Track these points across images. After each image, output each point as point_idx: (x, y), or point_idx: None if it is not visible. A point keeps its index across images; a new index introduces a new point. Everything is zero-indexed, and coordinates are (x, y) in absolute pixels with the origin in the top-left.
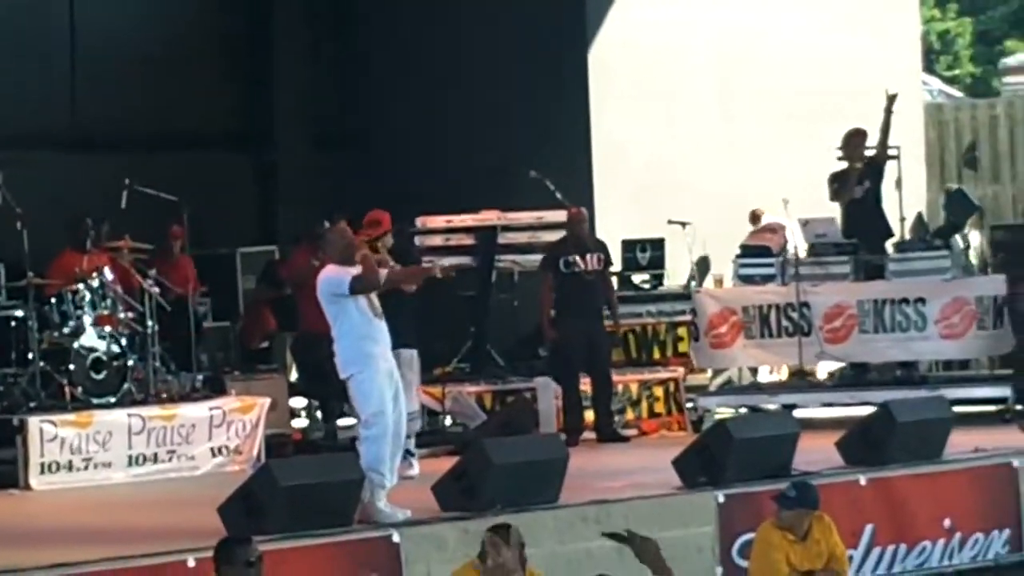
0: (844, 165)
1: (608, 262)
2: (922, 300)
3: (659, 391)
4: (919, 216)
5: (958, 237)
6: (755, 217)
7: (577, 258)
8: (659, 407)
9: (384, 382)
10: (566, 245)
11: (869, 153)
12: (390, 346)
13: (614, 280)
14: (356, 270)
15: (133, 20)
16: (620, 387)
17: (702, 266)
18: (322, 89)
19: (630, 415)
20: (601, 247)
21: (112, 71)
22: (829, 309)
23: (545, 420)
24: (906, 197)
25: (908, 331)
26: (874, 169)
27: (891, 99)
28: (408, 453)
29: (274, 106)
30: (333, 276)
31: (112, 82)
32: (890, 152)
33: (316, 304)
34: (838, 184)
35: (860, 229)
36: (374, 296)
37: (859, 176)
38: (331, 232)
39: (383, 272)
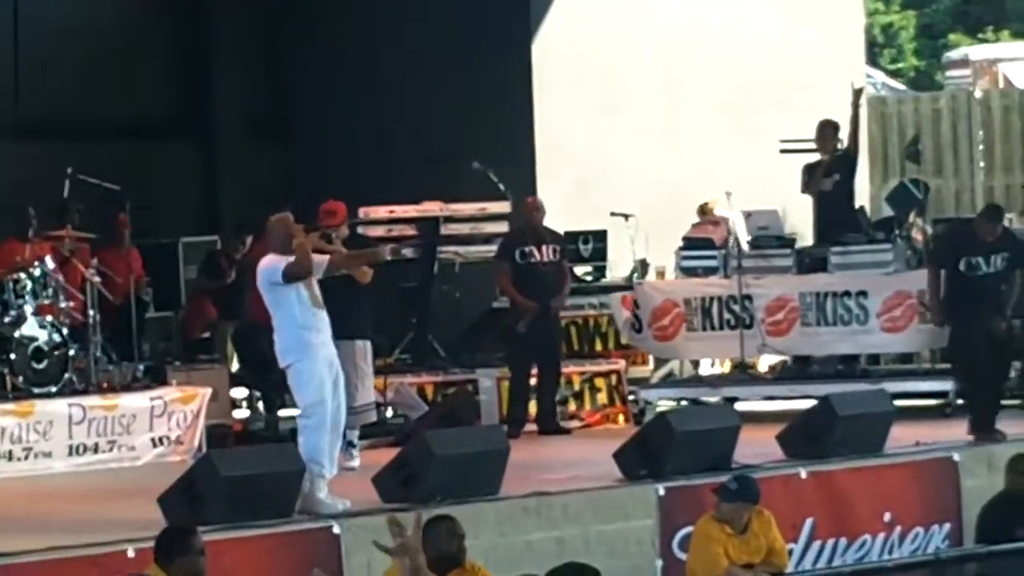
0: (817, 157)
1: (563, 253)
2: (864, 293)
3: (601, 383)
4: (861, 209)
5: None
6: (704, 211)
7: (533, 249)
8: (602, 398)
9: (324, 372)
10: (523, 235)
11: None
12: (331, 336)
13: None
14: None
15: (75, 9)
16: (562, 379)
17: (642, 267)
18: (263, 78)
19: (572, 407)
20: (557, 238)
21: (54, 60)
22: (771, 302)
23: (488, 411)
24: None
25: (850, 324)
26: (846, 162)
27: (857, 93)
28: (350, 444)
29: (215, 96)
30: (270, 265)
31: (54, 71)
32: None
33: (256, 293)
34: (808, 176)
35: (827, 222)
36: (315, 286)
37: (828, 168)
38: (272, 222)
39: (323, 258)
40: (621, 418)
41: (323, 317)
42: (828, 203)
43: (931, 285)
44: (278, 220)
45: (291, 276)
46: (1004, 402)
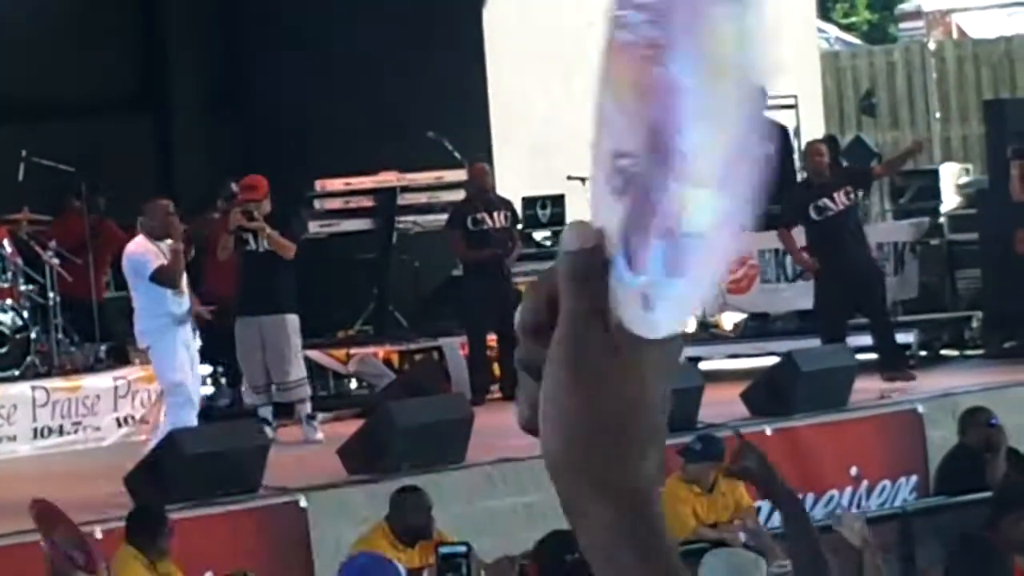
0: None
1: (515, 219)
2: None
3: None
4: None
5: None
6: None
7: (485, 215)
8: None
9: (183, 353)
10: (473, 203)
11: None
12: (190, 318)
13: None
14: (164, 247)
15: None
16: None
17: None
18: (218, 53)
19: None
20: (506, 204)
21: (6, 40)
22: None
23: (458, 379)
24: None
25: (810, 280)
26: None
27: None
28: (310, 418)
29: (170, 72)
30: (140, 256)
31: (6, 51)
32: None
33: (221, 269)
34: None
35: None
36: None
37: None
38: (151, 205)
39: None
40: None
41: (183, 301)
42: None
43: (788, 243)
44: (158, 206)
45: (160, 282)
46: (967, 352)
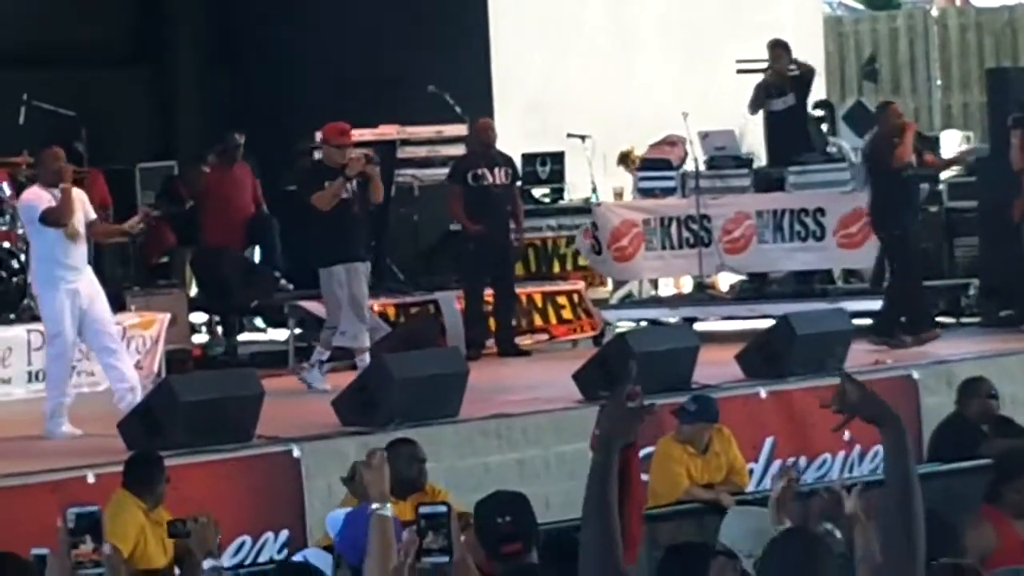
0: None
1: (516, 176)
2: (821, 211)
3: (564, 300)
4: (817, 129)
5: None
6: (624, 158)
7: (486, 171)
8: (567, 314)
9: (66, 304)
10: (475, 158)
11: (796, 66)
12: (85, 269)
13: None
14: (57, 193)
15: None
16: (524, 298)
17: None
18: (217, 3)
19: (538, 321)
20: (508, 161)
21: None
22: (729, 220)
23: (453, 333)
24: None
25: (807, 240)
26: (799, 83)
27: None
28: (322, 363)
29: (168, 19)
30: (32, 202)
31: None
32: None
33: (215, 218)
34: (754, 95)
35: (780, 143)
36: (78, 220)
37: (778, 88)
38: (44, 153)
39: (89, 214)
40: (590, 328)
41: (77, 251)
42: (779, 124)
43: None
44: (51, 153)
45: (47, 222)
46: (963, 320)
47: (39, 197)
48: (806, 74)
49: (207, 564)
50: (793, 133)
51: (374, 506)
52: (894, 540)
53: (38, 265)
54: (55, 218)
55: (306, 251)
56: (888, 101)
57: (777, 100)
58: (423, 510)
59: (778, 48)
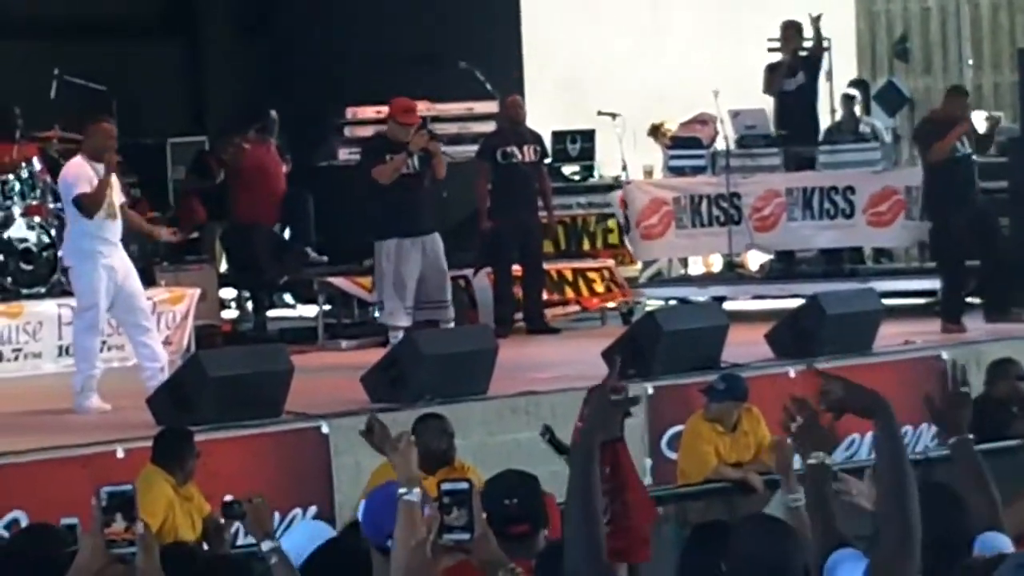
0: (779, 57)
1: (544, 154)
2: (851, 189)
3: (595, 275)
4: (850, 109)
5: (880, 126)
6: (656, 130)
7: (514, 148)
8: (598, 287)
9: (103, 278)
10: (504, 135)
11: (807, 45)
12: (119, 244)
13: None
14: (100, 168)
15: None
16: (554, 273)
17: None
18: None
19: (570, 294)
20: (537, 139)
21: None
22: (758, 198)
23: (484, 311)
24: (837, 89)
25: (836, 218)
26: (808, 63)
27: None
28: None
29: None
30: (71, 179)
31: None
32: (824, 45)
33: (248, 194)
34: (769, 75)
35: (788, 122)
36: (113, 196)
37: (791, 69)
38: (96, 127)
39: (124, 207)
40: (622, 298)
41: (115, 227)
42: (789, 104)
43: None
44: (102, 129)
45: (79, 208)
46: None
47: (79, 175)
48: (815, 54)
49: (265, 545)
50: (801, 113)
51: (401, 490)
52: (890, 527)
53: (76, 238)
54: (87, 208)
55: (340, 226)
56: (959, 87)
57: (789, 80)
58: (445, 486)
59: (790, 29)
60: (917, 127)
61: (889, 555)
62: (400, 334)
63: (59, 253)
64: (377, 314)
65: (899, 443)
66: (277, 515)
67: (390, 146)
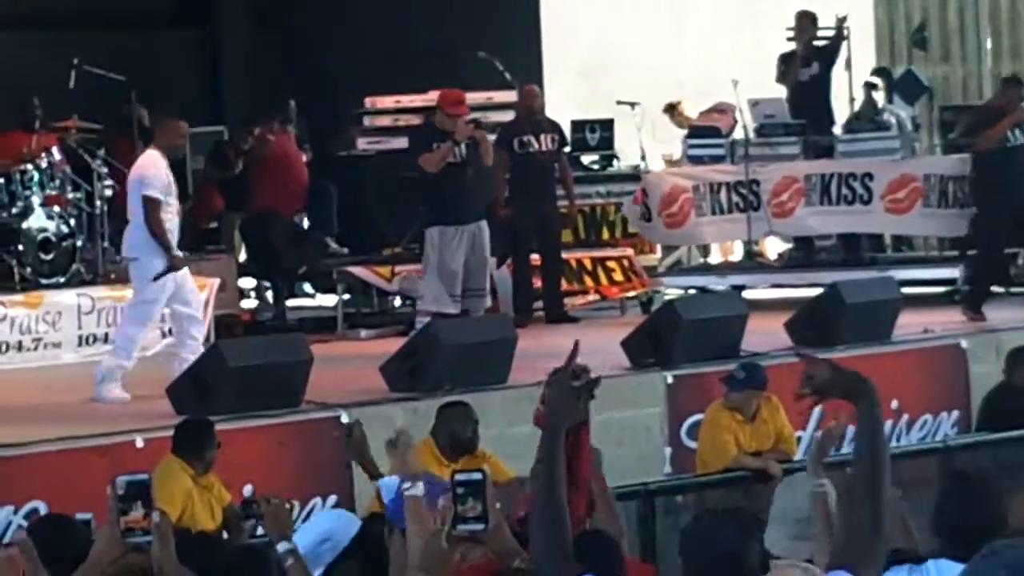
0: (793, 47)
1: (563, 143)
2: (869, 175)
3: (614, 264)
4: (869, 96)
5: (903, 115)
6: (673, 110)
7: (532, 138)
8: (617, 276)
9: (167, 275)
10: (521, 124)
11: (824, 34)
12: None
13: None
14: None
15: None
16: (573, 262)
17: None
18: None
19: (589, 283)
20: (555, 128)
21: None
22: (777, 184)
23: (504, 300)
24: (856, 78)
25: (853, 204)
26: (824, 54)
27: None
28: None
29: None
30: (147, 176)
31: None
32: (843, 35)
33: (271, 184)
34: (784, 66)
35: (802, 113)
36: (173, 188)
37: (805, 59)
38: (172, 123)
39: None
40: (641, 287)
41: (177, 221)
42: (803, 94)
43: None
44: (178, 127)
45: (146, 210)
46: (1014, 289)
47: (153, 172)
48: (831, 44)
49: (281, 547)
50: (816, 103)
51: (405, 485)
52: (858, 517)
53: (140, 232)
54: (151, 220)
55: (360, 215)
56: (1015, 77)
57: (804, 70)
58: (459, 477)
59: (804, 19)
60: (969, 115)
61: (857, 537)
62: (426, 319)
63: (125, 240)
64: (419, 303)
65: (879, 428)
66: (297, 505)
67: (438, 134)
